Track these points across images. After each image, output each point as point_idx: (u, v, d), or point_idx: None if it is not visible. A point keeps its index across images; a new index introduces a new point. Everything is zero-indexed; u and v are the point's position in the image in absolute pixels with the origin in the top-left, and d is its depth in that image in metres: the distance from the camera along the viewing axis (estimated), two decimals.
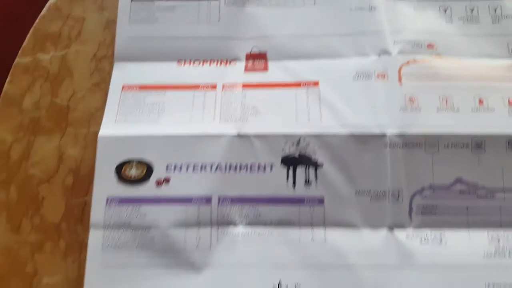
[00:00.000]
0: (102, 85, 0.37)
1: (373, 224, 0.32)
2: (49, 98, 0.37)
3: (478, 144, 0.32)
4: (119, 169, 0.33)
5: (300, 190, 0.33)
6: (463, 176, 0.32)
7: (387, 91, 0.34)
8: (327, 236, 0.32)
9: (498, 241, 0.31)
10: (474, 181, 0.32)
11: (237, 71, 0.36)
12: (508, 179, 0.32)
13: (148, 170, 0.33)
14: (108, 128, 0.34)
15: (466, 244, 0.31)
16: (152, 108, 0.35)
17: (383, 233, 0.32)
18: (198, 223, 0.32)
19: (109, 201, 0.33)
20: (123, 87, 0.36)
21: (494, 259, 0.31)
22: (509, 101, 0.34)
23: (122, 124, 0.34)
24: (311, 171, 0.33)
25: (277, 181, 0.33)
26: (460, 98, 0.34)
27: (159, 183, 0.33)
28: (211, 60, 0.37)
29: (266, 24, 0.37)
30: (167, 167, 0.33)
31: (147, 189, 0.33)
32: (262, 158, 0.33)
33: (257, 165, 0.33)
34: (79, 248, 0.34)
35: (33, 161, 0.36)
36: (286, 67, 0.36)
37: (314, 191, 0.33)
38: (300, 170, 0.33)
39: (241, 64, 0.36)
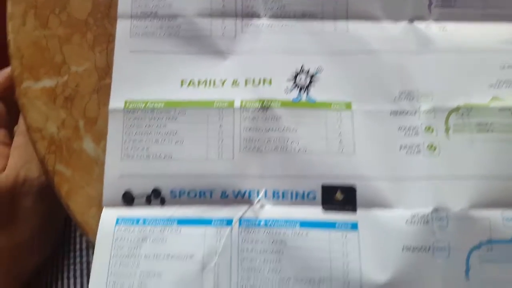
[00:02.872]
0: None
1: (394, 16, 0.33)
2: None
3: None
4: None
5: None
6: None
7: None
8: (349, 27, 0.33)
9: None
10: None
11: None
12: None
13: None
14: None
15: (483, 34, 0.33)
16: None
17: (403, 24, 0.33)
18: (223, 13, 0.33)
19: None
20: None
21: (509, 45, 0.32)
22: None
23: None
24: None
25: None
26: None
27: None
28: None
29: None
30: None
31: None
32: None
33: None
34: (107, 40, 0.34)
35: None
36: None
37: None
38: None
39: None
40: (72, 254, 0.38)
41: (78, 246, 0.39)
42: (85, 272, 0.37)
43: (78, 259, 0.38)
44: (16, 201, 0.35)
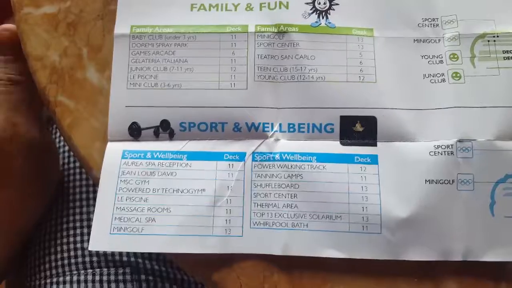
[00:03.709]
0: None
1: None
2: None
3: None
4: None
5: None
6: None
7: None
8: None
9: None
10: None
11: None
12: None
13: None
14: None
15: None
16: None
17: None
18: None
19: None
20: None
21: None
22: None
23: None
24: None
25: None
26: None
27: None
28: None
29: None
30: None
31: None
32: None
33: None
34: None
35: None
36: None
37: None
38: None
39: None
40: (71, 205, 0.37)
41: (78, 196, 0.37)
42: (85, 223, 0.36)
43: (77, 210, 0.37)
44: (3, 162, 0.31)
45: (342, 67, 0.29)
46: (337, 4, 0.30)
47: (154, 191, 0.28)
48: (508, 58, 0.29)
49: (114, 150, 0.29)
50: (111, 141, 0.29)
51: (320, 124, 0.28)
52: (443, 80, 0.28)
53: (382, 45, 0.29)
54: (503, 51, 0.29)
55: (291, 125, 0.29)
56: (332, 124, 0.28)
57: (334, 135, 0.28)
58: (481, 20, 0.29)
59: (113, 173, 0.28)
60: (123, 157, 0.29)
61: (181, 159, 0.29)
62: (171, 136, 0.29)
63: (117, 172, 0.28)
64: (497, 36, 0.29)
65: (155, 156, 0.29)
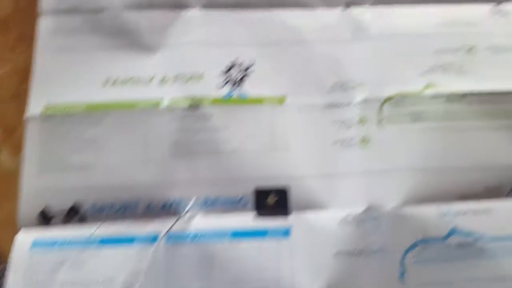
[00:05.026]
0: None
1: (329, 2, 0.32)
2: None
3: None
4: None
5: None
6: None
7: None
8: (284, 15, 0.32)
9: (451, 14, 0.31)
10: None
11: None
12: None
13: None
14: None
15: (418, 17, 0.32)
16: None
17: (338, 10, 0.32)
18: (151, 5, 0.31)
19: None
20: None
21: (444, 27, 0.31)
22: None
23: None
24: None
25: None
26: None
27: None
28: None
29: None
30: None
31: None
32: None
33: None
34: (29, 39, 0.32)
35: None
36: None
37: None
38: None
39: None
40: None
41: None
42: None
43: None
44: None
45: (255, 137, 0.29)
46: (250, 73, 0.31)
47: (62, 284, 0.27)
48: (414, 119, 0.29)
49: (23, 240, 0.28)
50: (22, 227, 0.28)
51: (235, 197, 0.28)
52: (352, 146, 0.29)
53: (294, 112, 0.30)
54: (409, 113, 0.29)
55: (206, 200, 0.29)
56: (247, 197, 0.28)
57: (249, 208, 0.28)
58: (389, 83, 0.30)
59: (22, 265, 0.27)
60: (33, 247, 0.28)
61: (91, 245, 0.28)
62: (83, 219, 0.28)
63: (26, 264, 0.27)
64: (404, 98, 0.29)
65: (65, 244, 0.28)
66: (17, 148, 0.30)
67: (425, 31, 0.31)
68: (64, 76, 0.30)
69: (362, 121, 0.29)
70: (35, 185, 0.28)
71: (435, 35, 0.31)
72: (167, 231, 0.28)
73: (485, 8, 0.32)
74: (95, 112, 0.30)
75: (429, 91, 0.30)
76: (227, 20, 0.31)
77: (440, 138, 0.29)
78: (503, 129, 0.29)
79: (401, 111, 0.29)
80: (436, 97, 0.29)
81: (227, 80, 0.30)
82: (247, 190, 0.28)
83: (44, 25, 0.31)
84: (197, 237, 0.28)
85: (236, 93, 0.30)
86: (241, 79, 0.30)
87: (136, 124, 0.29)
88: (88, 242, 0.28)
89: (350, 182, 0.28)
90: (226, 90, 0.30)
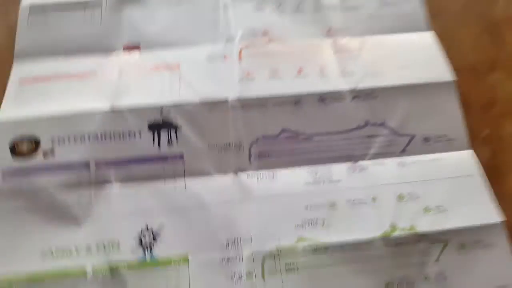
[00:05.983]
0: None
1: (223, 170, 0.40)
2: None
3: (297, 101, 0.42)
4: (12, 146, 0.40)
5: (164, 149, 0.40)
6: (287, 127, 0.41)
7: (229, 68, 0.43)
8: (187, 184, 0.39)
9: (316, 173, 0.40)
10: (296, 129, 0.41)
11: (115, 60, 0.44)
12: (321, 126, 0.41)
13: (37, 145, 0.40)
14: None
15: (292, 178, 0.40)
16: (43, 97, 0.42)
17: (230, 176, 0.40)
18: (79, 184, 0.39)
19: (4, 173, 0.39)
20: (20, 81, 0.43)
21: (312, 186, 0.39)
22: (320, 68, 0.43)
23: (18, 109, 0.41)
24: (173, 133, 0.41)
25: (145, 144, 0.40)
26: (285, 68, 0.43)
27: (45, 154, 0.40)
28: (94, 53, 0.44)
29: (139, 24, 0.46)
30: (52, 141, 0.40)
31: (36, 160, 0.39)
32: (132, 127, 0.41)
33: (127, 132, 0.41)
34: None
35: None
36: (156, 55, 0.44)
37: (175, 149, 0.40)
38: (164, 133, 0.41)
39: (119, 53, 0.45)
40: None
41: None
42: None
43: None
44: None
45: None
46: (159, 236, 0.38)
47: None
48: (289, 269, 0.36)
49: None
50: None
51: None
52: None
53: (195, 269, 0.36)
54: (285, 263, 0.36)
55: None
56: None
57: None
58: (269, 238, 0.37)
59: None
60: None
61: None
62: None
63: None
64: (280, 252, 0.37)
65: None
66: None
67: (297, 190, 0.39)
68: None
69: (249, 274, 0.36)
70: None
71: (305, 193, 0.39)
72: None
73: (344, 166, 0.40)
74: (34, 284, 0.36)
75: (300, 244, 0.37)
76: (141, 192, 0.39)
77: (312, 285, 0.35)
78: (362, 273, 0.36)
79: (279, 264, 0.36)
80: (305, 249, 0.36)
81: (140, 245, 0.38)
82: None
83: None
84: None
85: (148, 256, 0.37)
86: (152, 242, 0.38)
87: None
88: None
89: None
90: (140, 253, 0.37)
